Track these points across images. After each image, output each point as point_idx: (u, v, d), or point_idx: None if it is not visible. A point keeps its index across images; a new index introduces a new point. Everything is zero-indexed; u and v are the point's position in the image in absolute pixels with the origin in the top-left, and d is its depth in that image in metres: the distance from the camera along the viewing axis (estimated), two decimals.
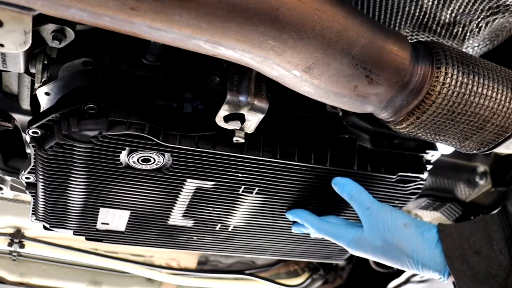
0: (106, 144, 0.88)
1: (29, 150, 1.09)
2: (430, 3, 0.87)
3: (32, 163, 0.98)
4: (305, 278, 2.11)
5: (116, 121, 0.86)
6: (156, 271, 1.97)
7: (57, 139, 0.87)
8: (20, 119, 1.07)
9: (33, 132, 0.89)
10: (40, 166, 0.93)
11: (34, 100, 1.02)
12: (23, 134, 1.10)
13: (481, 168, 1.56)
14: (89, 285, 1.93)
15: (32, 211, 1.12)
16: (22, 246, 1.79)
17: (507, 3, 0.85)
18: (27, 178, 1.03)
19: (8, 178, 1.26)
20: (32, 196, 1.08)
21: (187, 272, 2.03)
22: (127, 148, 0.90)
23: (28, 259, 1.86)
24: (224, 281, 2.06)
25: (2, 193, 1.33)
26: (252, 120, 0.87)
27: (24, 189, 1.27)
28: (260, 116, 0.86)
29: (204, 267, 2.06)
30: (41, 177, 0.96)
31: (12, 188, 1.30)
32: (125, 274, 1.96)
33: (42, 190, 0.99)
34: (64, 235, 1.81)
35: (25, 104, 1.05)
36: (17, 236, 1.78)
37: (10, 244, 1.78)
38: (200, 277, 2.04)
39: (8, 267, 1.85)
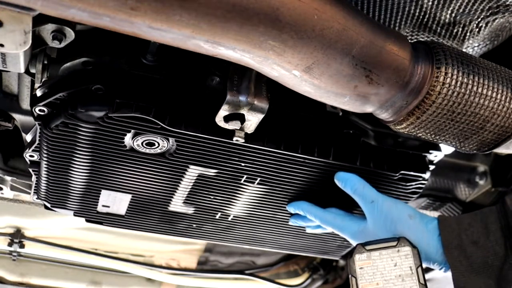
0: (111, 125, 0.88)
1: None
2: (430, 3, 0.87)
3: (37, 142, 0.98)
4: (305, 278, 2.11)
5: (123, 103, 0.86)
6: (156, 271, 1.97)
7: (63, 118, 0.87)
8: (20, 119, 1.07)
9: (39, 110, 0.89)
10: (45, 144, 0.93)
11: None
12: (23, 134, 1.10)
13: (481, 168, 1.56)
14: (89, 285, 1.93)
15: (34, 189, 1.12)
16: (22, 246, 1.79)
17: (507, 3, 0.85)
18: (31, 156, 1.02)
19: (8, 178, 1.26)
20: (35, 174, 1.08)
21: (187, 272, 2.03)
22: (132, 130, 0.90)
23: (28, 259, 1.86)
24: (224, 281, 2.06)
25: (2, 193, 1.33)
26: (252, 120, 0.87)
27: (24, 189, 1.28)
28: (260, 116, 0.86)
29: (204, 267, 2.06)
30: (45, 155, 0.96)
31: (12, 188, 1.30)
32: (125, 274, 1.96)
33: (45, 169, 1.00)
34: (64, 235, 1.83)
35: (25, 104, 1.05)
36: (17, 236, 1.78)
37: (10, 244, 1.77)
38: (200, 277, 2.04)
39: (8, 267, 1.85)
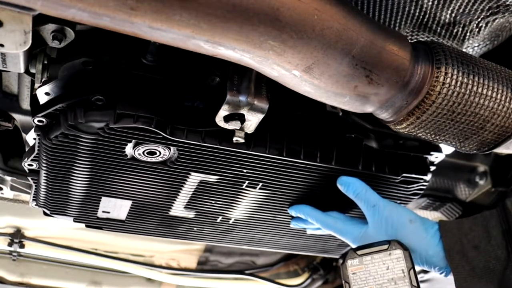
0: (112, 136, 0.88)
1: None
2: (430, 3, 0.87)
3: (36, 151, 0.98)
4: (305, 278, 2.11)
5: (124, 114, 0.86)
6: (156, 271, 1.97)
7: (63, 129, 0.86)
8: (20, 119, 1.07)
9: (38, 121, 0.89)
10: (44, 154, 0.93)
11: (34, 100, 1.02)
12: (23, 134, 1.10)
13: (481, 168, 1.56)
14: (89, 285, 1.93)
15: (34, 197, 1.12)
16: (22, 246, 1.79)
17: (507, 3, 0.85)
18: (29, 165, 1.02)
19: (8, 178, 1.26)
20: (34, 182, 1.08)
21: (187, 272, 2.03)
22: (133, 140, 0.90)
23: (28, 259, 1.86)
24: (224, 281, 2.06)
25: (2, 193, 1.33)
26: (252, 120, 0.87)
27: (24, 189, 1.27)
28: (260, 116, 0.86)
29: (204, 267, 2.06)
30: (44, 165, 0.95)
31: (12, 188, 1.30)
32: (125, 274, 1.96)
33: (45, 178, 0.99)
34: (64, 235, 1.82)
35: (25, 104, 1.05)
36: (17, 236, 1.78)
37: (10, 244, 1.78)
38: (200, 277, 2.04)
39: (8, 267, 1.85)
